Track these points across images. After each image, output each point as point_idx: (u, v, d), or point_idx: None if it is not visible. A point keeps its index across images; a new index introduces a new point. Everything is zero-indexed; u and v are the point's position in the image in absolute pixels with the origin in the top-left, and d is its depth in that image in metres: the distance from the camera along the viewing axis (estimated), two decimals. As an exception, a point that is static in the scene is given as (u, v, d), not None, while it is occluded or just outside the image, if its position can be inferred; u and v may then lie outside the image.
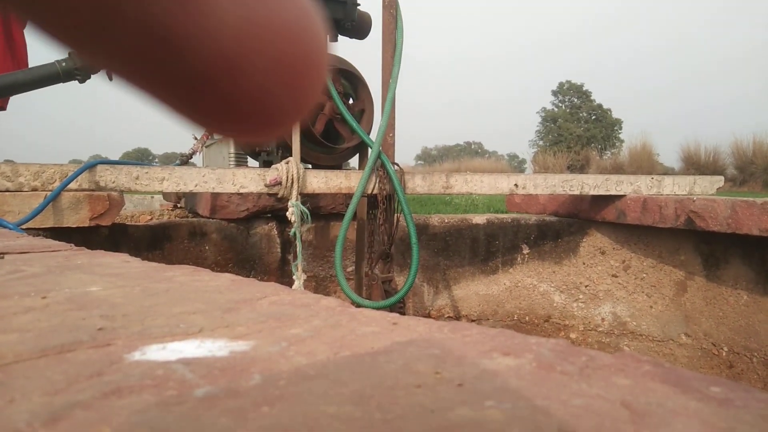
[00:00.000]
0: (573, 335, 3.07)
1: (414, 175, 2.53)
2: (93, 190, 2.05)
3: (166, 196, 3.87)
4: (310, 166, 2.58)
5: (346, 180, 2.39)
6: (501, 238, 3.13)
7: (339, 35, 2.72)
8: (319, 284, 2.90)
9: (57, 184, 1.99)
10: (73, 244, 1.26)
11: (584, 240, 3.10)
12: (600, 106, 31.24)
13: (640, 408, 0.36)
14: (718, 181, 2.99)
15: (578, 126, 30.36)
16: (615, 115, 31.17)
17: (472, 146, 55.10)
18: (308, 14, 0.20)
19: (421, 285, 3.07)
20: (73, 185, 1.99)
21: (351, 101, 2.65)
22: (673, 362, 2.73)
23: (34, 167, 2.00)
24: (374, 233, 2.52)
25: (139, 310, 0.62)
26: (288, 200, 2.25)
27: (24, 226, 1.84)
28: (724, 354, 2.57)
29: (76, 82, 2.23)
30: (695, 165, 13.08)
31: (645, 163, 13.91)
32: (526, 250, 3.15)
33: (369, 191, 2.38)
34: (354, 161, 2.82)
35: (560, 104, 32.16)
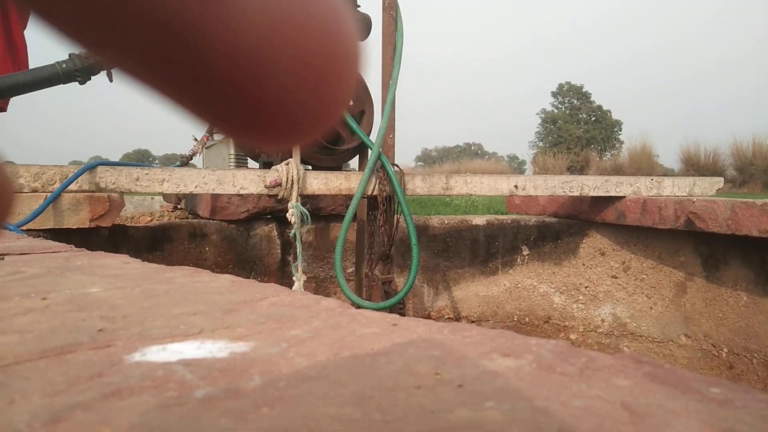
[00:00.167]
0: (573, 336, 3.07)
1: (414, 177, 2.53)
2: (93, 192, 2.05)
3: (166, 197, 3.87)
4: (310, 167, 2.58)
5: (346, 181, 2.39)
6: (501, 240, 3.13)
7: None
8: (319, 285, 2.90)
9: (57, 185, 1.99)
10: (73, 246, 1.26)
11: (584, 241, 3.10)
12: (600, 107, 31.28)
13: (640, 409, 0.36)
14: (718, 182, 2.99)
15: (578, 127, 30.38)
16: (615, 116, 31.21)
17: (472, 147, 55.13)
18: (339, 12, 0.19)
19: (421, 286, 3.07)
20: (73, 186, 1.99)
21: (351, 102, 2.65)
22: (673, 363, 2.73)
23: (34, 168, 2.00)
24: (374, 234, 2.52)
25: (139, 311, 0.62)
26: (288, 201, 2.25)
27: (24, 228, 1.85)
28: (724, 355, 2.57)
29: (77, 83, 2.23)
30: (695, 166, 13.09)
31: (645, 165, 13.91)
32: (526, 252, 3.15)
33: (369, 192, 2.38)
34: (354, 162, 2.83)
35: (560, 105, 32.20)
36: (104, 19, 0.15)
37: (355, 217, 2.57)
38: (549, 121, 31.49)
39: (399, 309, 2.38)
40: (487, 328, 0.56)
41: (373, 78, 2.57)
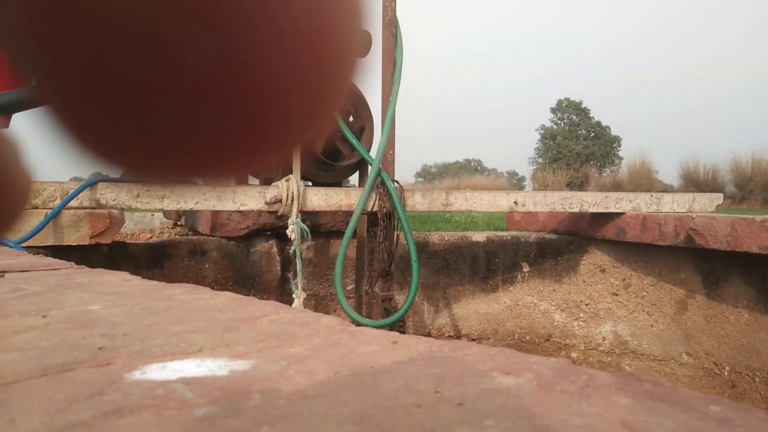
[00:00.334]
0: (574, 354, 3.05)
1: (414, 193, 2.53)
2: (93, 208, 2.06)
3: (166, 213, 3.87)
4: (310, 183, 2.58)
5: (346, 197, 2.39)
6: (501, 256, 3.12)
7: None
8: (319, 302, 2.90)
9: (58, 201, 1.99)
10: (73, 263, 1.26)
11: (584, 258, 3.10)
12: (599, 123, 31.42)
13: (640, 427, 0.36)
14: (717, 198, 3.00)
15: (577, 143, 30.50)
16: (613, 132, 31.34)
17: (472, 163, 55.27)
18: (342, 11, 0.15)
19: (421, 303, 3.06)
20: (73, 203, 2.00)
21: (351, 119, 2.67)
22: (674, 382, 2.71)
23: (35, 185, 2.00)
24: (374, 251, 2.52)
25: (139, 329, 0.63)
26: (288, 218, 2.26)
27: (24, 245, 1.85)
28: (726, 373, 2.55)
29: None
30: (694, 182, 13.13)
31: (644, 181, 13.95)
32: (526, 268, 3.15)
33: (369, 209, 2.39)
34: (354, 179, 2.83)
35: (559, 122, 32.35)
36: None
37: (355, 234, 2.57)
38: (548, 137, 31.62)
39: (399, 327, 2.37)
40: (487, 346, 0.56)
41: (373, 94, 2.59)
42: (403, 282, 2.90)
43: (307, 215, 2.50)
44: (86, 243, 2.03)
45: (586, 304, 3.08)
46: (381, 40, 2.49)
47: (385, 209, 2.38)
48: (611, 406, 0.40)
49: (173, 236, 2.84)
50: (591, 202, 2.74)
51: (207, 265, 2.65)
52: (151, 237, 2.84)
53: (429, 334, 3.04)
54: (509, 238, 3.15)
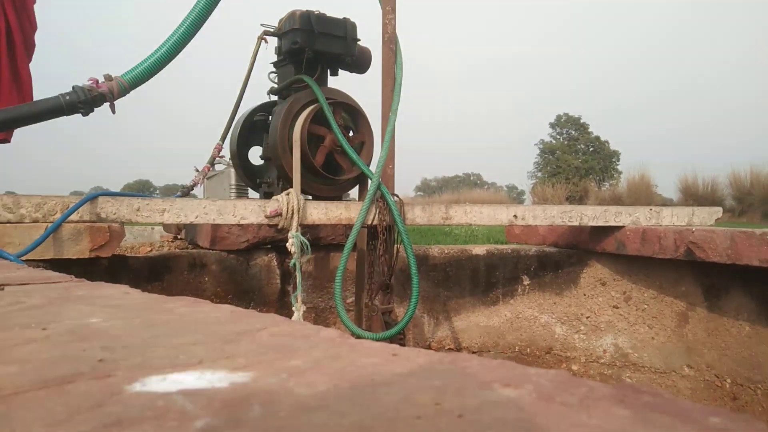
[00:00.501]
0: (575, 367, 3.04)
1: (414, 206, 2.54)
2: (94, 222, 2.06)
3: (166, 227, 3.87)
4: (310, 197, 2.59)
5: (346, 211, 2.40)
6: (501, 269, 3.12)
7: (339, 69, 2.76)
8: (319, 315, 2.89)
9: (58, 215, 2.00)
10: (73, 276, 1.26)
11: (584, 271, 3.10)
12: (598, 138, 31.52)
13: (640, 439, 0.36)
14: (717, 212, 3.00)
15: (576, 157, 30.58)
16: (612, 147, 31.44)
17: (471, 177, 55.38)
18: None
19: (422, 316, 3.05)
20: (74, 217, 2.00)
21: (351, 134, 2.68)
22: (676, 394, 2.69)
23: (36, 199, 2.01)
24: (374, 264, 2.52)
25: (139, 342, 0.63)
26: (288, 231, 2.26)
27: (24, 258, 1.85)
28: (727, 386, 2.54)
29: (80, 115, 2.26)
30: (693, 196, 13.15)
31: (643, 195, 13.97)
32: (526, 281, 3.14)
33: (369, 222, 2.39)
34: (354, 192, 2.84)
35: (558, 136, 32.47)
36: None
37: (355, 247, 2.57)
38: (547, 151, 31.71)
39: (399, 339, 2.36)
40: (488, 358, 0.56)
41: (373, 109, 2.61)
42: (403, 295, 2.90)
43: (307, 229, 2.50)
44: (86, 256, 2.03)
45: (587, 317, 3.07)
46: (381, 56, 2.51)
47: (385, 222, 2.38)
48: (611, 418, 0.40)
49: (173, 250, 2.84)
50: (590, 215, 2.74)
51: (207, 278, 2.65)
52: (151, 250, 2.84)
53: (429, 347, 3.03)
54: (509, 251, 3.15)
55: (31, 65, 2.92)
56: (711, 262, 2.35)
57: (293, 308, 2.32)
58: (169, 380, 0.49)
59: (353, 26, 2.66)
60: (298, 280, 2.30)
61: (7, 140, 2.87)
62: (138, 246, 3.03)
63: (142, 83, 2.37)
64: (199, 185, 2.87)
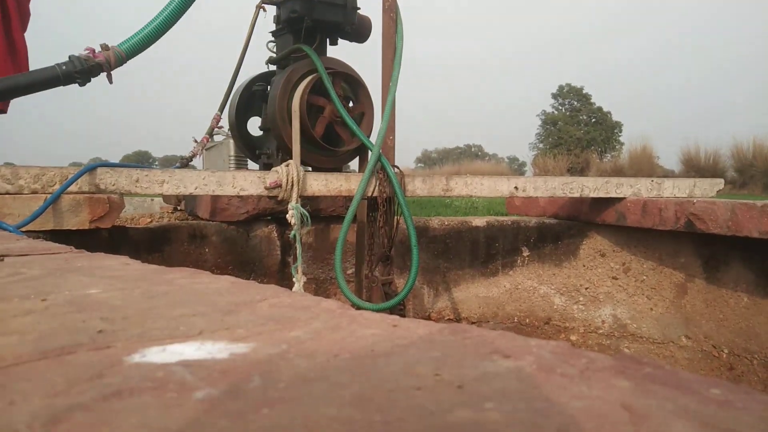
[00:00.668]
0: (573, 337, 3.06)
1: (414, 178, 2.53)
2: (93, 193, 2.05)
3: (166, 198, 3.87)
4: (310, 168, 2.58)
5: (346, 182, 2.39)
6: (501, 241, 3.13)
7: (339, 39, 2.72)
8: (319, 287, 2.90)
9: (57, 186, 1.99)
10: (73, 247, 1.26)
11: (584, 242, 3.10)
12: (600, 108, 31.24)
13: (641, 410, 0.36)
14: (718, 183, 2.99)
15: (578, 129, 30.36)
16: (615, 118, 31.19)
17: (472, 149, 55.11)
18: None
19: (421, 287, 3.07)
20: (73, 188, 1.99)
21: (351, 104, 2.66)
22: (673, 364, 2.73)
23: (34, 170, 2.00)
24: (374, 236, 2.52)
25: (138, 313, 0.62)
26: (288, 203, 2.25)
27: (24, 229, 1.84)
28: (724, 356, 2.56)
29: (77, 84, 2.24)
30: (695, 167, 13.09)
31: (645, 166, 13.91)
32: (526, 253, 3.15)
33: (369, 194, 2.38)
34: (354, 164, 2.83)
35: (560, 107, 32.17)
36: None
37: (355, 219, 2.57)
38: (549, 122, 31.46)
39: (399, 310, 2.38)
40: (487, 329, 0.56)
41: (373, 80, 2.58)
42: (403, 266, 2.91)
43: (307, 200, 2.49)
44: (86, 227, 2.03)
45: (586, 288, 3.09)
46: (381, 25, 2.47)
47: (385, 194, 2.37)
48: (611, 389, 0.40)
49: (173, 221, 2.84)
50: (592, 187, 2.73)
51: (207, 250, 2.65)
52: (151, 222, 2.84)
53: (429, 318, 3.05)
54: (509, 222, 3.14)
55: (26, 34, 2.88)
56: (711, 233, 2.35)
57: (294, 279, 2.33)
58: (169, 351, 0.49)
59: (353, -6, 2.61)
60: (298, 252, 2.30)
61: (3, 111, 2.84)
62: (138, 217, 3.03)
63: (140, 53, 2.33)
64: (198, 156, 2.85)
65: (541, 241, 3.14)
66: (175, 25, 2.36)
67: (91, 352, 0.48)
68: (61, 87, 2.20)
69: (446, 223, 3.09)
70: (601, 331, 3.03)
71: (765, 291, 2.43)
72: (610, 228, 2.98)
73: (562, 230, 3.13)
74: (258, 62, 2.84)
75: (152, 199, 5.10)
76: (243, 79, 2.85)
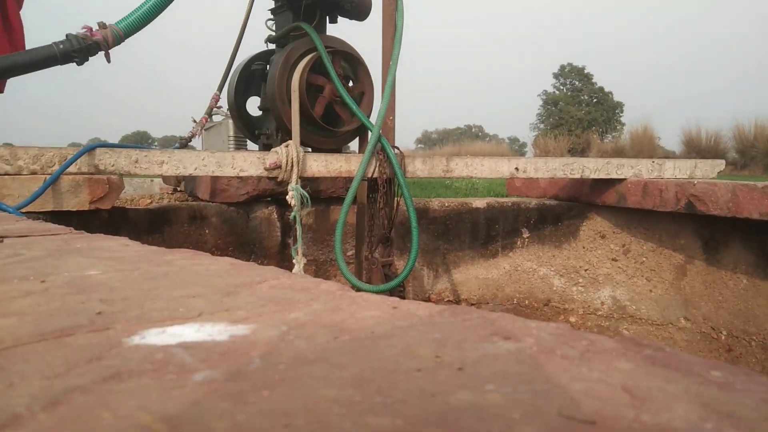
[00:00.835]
0: (573, 319, 3.08)
1: (414, 159, 2.52)
2: (92, 174, 2.05)
3: (165, 179, 3.86)
4: (309, 149, 2.56)
5: (346, 163, 2.38)
6: (501, 222, 3.12)
7: (338, 16, 2.69)
8: (319, 268, 2.91)
9: (56, 167, 1.98)
10: (72, 228, 1.26)
11: (584, 224, 3.10)
12: (601, 89, 31.04)
13: (641, 392, 0.36)
14: (719, 164, 2.98)
15: (579, 109, 30.20)
16: (616, 98, 31.00)
17: (473, 129, 54.88)
18: None
19: (421, 269, 3.08)
20: (72, 168, 1.99)
21: (351, 84, 2.63)
22: (672, 346, 2.74)
23: (33, 150, 1.99)
24: (374, 217, 2.52)
25: (138, 294, 0.62)
26: (288, 184, 2.25)
27: (23, 210, 1.84)
28: (723, 338, 2.58)
29: (74, 64, 2.22)
30: (696, 149, 13.05)
31: (646, 147, 13.86)
32: (526, 234, 3.15)
33: (369, 175, 2.37)
34: (354, 145, 2.81)
35: (561, 87, 31.95)
36: None
37: (355, 200, 2.56)
38: (550, 102, 31.27)
39: (399, 292, 2.39)
40: (487, 311, 0.56)
41: (373, 59, 2.55)
42: (403, 248, 2.91)
43: (306, 181, 2.48)
44: (85, 208, 2.03)
45: (586, 270, 3.09)
46: (381, 3, 2.44)
47: (385, 175, 2.37)
48: (612, 371, 0.40)
49: (173, 202, 2.83)
50: (592, 168, 2.72)
51: (207, 231, 2.65)
52: (151, 202, 2.84)
53: (429, 299, 3.06)
54: (509, 204, 3.14)
55: (22, 12, 2.84)
56: (711, 215, 2.35)
57: (294, 261, 2.33)
58: (169, 333, 0.49)
59: (353, -29, 2.57)
60: (298, 233, 2.30)
61: (0, 91, 2.82)
62: (138, 198, 3.03)
63: (138, 31, 2.31)
64: (197, 137, 2.83)
65: (541, 223, 3.14)
66: (174, 2, 2.33)
67: (90, 334, 0.48)
68: (59, 66, 2.18)
69: (446, 204, 3.09)
70: (600, 313, 3.04)
71: (764, 273, 2.43)
72: (611, 209, 2.98)
73: (563, 211, 3.13)
74: (257, 41, 2.81)
75: (152, 180, 5.10)
76: (242, 58, 2.83)
